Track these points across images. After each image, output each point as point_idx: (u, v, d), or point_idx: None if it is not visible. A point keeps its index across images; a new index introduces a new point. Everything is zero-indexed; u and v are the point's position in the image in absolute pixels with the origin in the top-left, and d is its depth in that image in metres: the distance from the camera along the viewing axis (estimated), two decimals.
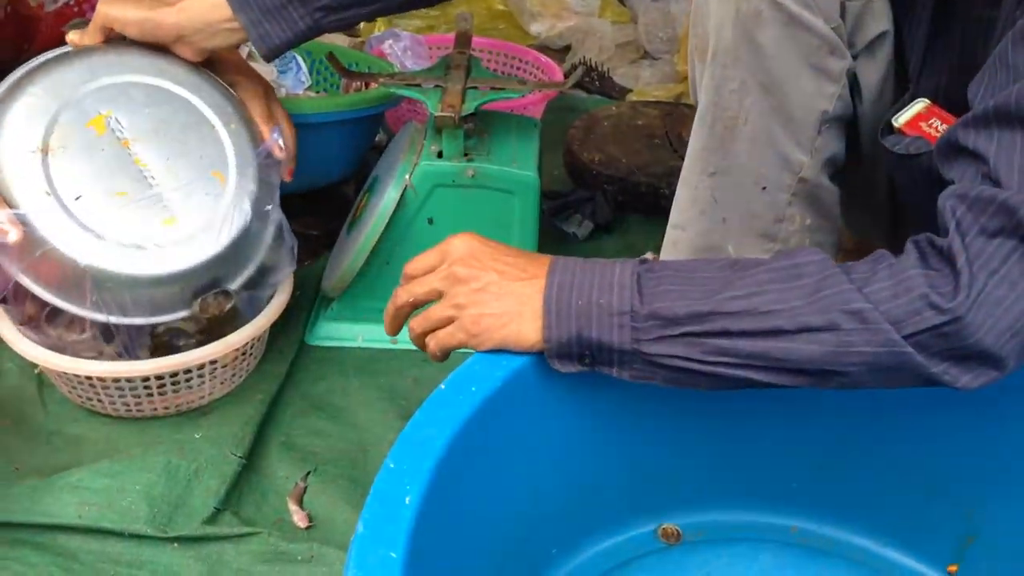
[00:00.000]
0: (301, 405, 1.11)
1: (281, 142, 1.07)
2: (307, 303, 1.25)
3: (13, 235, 0.91)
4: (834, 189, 0.98)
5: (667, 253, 1.04)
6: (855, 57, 0.93)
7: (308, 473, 1.01)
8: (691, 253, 1.00)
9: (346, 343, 1.21)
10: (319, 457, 1.04)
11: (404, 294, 0.78)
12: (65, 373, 1.01)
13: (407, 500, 0.62)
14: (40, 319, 1.04)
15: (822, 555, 0.87)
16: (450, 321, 0.75)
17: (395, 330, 0.81)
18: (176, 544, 0.92)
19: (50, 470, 0.99)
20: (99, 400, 1.04)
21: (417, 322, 0.78)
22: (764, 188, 0.95)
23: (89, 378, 1.01)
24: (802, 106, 0.92)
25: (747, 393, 0.84)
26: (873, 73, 0.94)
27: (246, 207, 1.02)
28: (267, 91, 1.10)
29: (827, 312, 0.66)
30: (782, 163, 0.94)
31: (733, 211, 0.97)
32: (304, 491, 1.00)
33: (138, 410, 1.05)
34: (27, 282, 0.94)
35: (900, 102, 0.91)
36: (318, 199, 1.40)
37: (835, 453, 0.86)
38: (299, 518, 0.97)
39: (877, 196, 1.04)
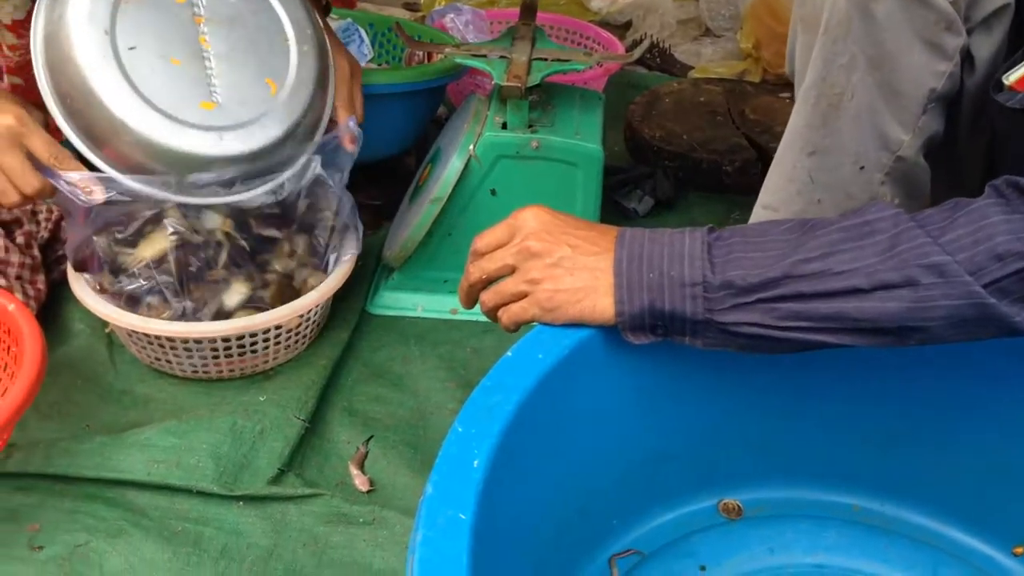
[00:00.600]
0: (362, 372, 1.13)
1: (354, 133, 1.07)
2: (369, 273, 1.26)
3: (99, 195, 0.93)
4: (927, 168, 0.96)
5: None
6: (969, 32, 0.89)
7: (369, 438, 1.03)
8: None
9: (406, 313, 1.22)
10: (380, 423, 1.05)
11: (476, 271, 0.78)
12: (135, 333, 1.03)
13: (475, 463, 0.63)
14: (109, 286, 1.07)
15: (885, 533, 0.86)
16: (523, 296, 0.75)
17: (470, 304, 0.81)
18: (241, 503, 0.94)
19: (120, 428, 1.01)
20: (167, 360, 1.06)
21: (489, 296, 0.78)
22: (862, 168, 0.93)
23: (159, 338, 1.03)
24: (911, 82, 0.89)
25: (812, 368, 0.84)
26: (987, 48, 0.90)
27: (285, 122, 1.00)
28: (354, 73, 1.10)
29: (904, 268, 0.64)
30: (882, 141, 0.91)
31: (828, 192, 0.95)
32: (365, 456, 1.01)
33: (204, 372, 1.07)
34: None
35: (1010, 61, 0.88)
36: (380, 170, 1.41)
37: (901, 431, 0.85)
38: (360, 482, 0.98)
39: (968, 175, 1.02)
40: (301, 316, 1.07)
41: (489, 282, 0.78)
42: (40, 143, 0.92)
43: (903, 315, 0.66)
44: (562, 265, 0.73)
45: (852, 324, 0.67)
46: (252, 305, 1.07)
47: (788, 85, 1.75)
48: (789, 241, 0.69)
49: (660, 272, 0.70)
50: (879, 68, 0.88)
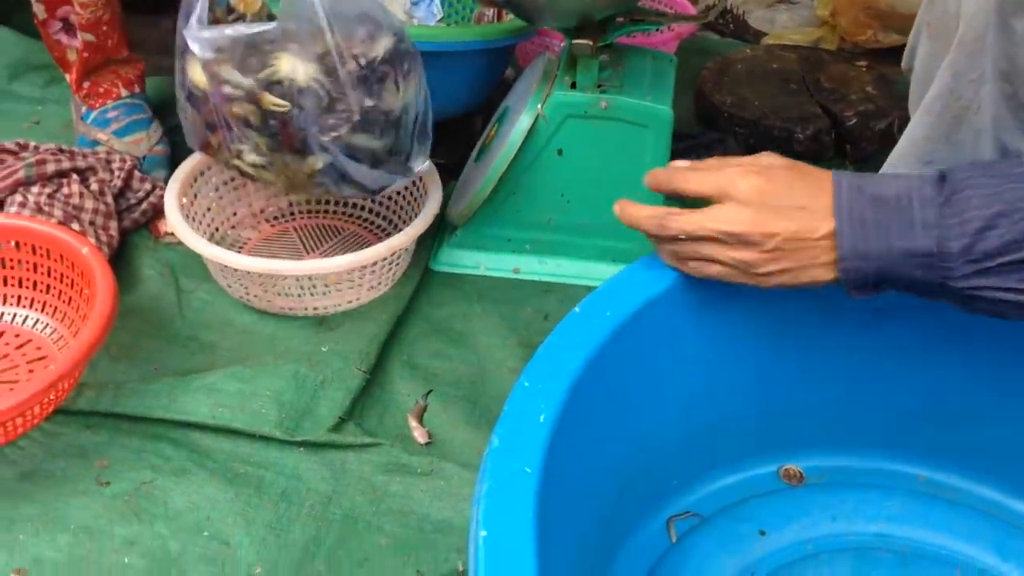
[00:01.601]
0: (423, 328, 1.13)
1: None
2: (432, 229, 1.26)
3: None
4: None
5: None
6: None
7: (428, 392, 1.03)
8: None
9: (469, 270, 1.22)
10: (439, 378, 1.06)
11: (676, 227, 0.73)
12: (225, 267, 1.08)
13: (541, 418, 0.63)
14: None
15: (950, 505, 0.84)
16: (732, 267, 0.72)
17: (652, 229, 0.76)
18: (302, 449, 0.95)
19: (185, 372, 1.03)
20: (255, 296, 1.10)
21: (687, 254, 0.74)
22: None
23: (249, 274, 1.06)
24: None
25: (881, 335, 0.82)
26: None
27: None
28: None
29: None
30: (1001, 152, 0.88)
31: None
32: (424, 409, 1.02)
33: (290, 309, 1.11)
34: None
35: None
36: (446, 129, 1.40)
37: (970, 401, 0.84)
38: (419, 434, 0.99)
39: None
40: (385, 259, 1.09)
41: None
42: None
43: None
44: (783, 248, 0.70)
45: None
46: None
47: (865, 53, 1.72)
48: None
49: (888, 245, 0.66)
50: (1010, 82, 0.84)
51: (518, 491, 0.58)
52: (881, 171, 0.97)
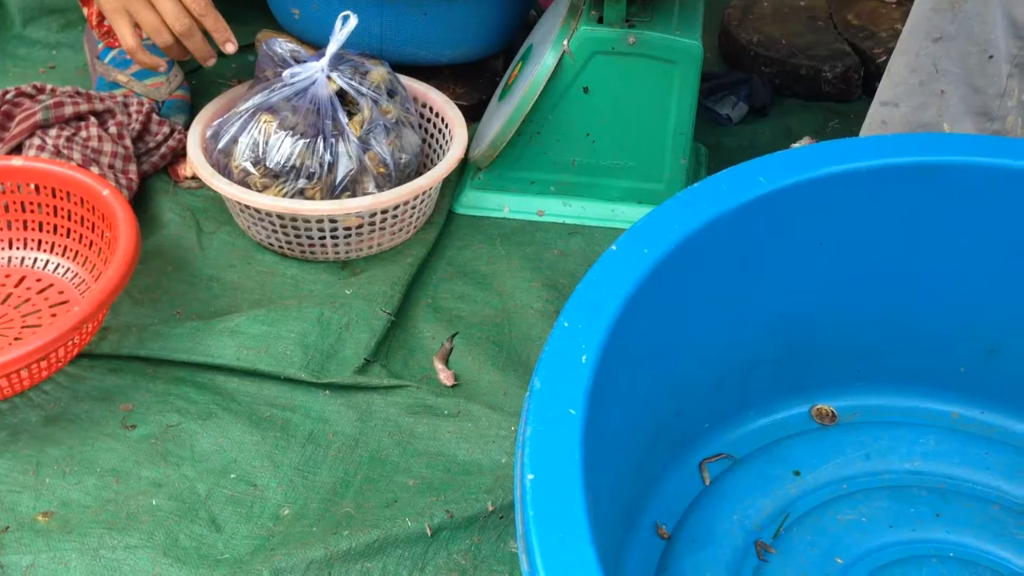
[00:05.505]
0: (447, 271, 1.12)
1: None
2: (455, 172, 1.24)
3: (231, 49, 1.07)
4: None
5: (873, 133, 0.98)
6: None
7: (454, 335, 1.02)
8: (903, 131, 0.94)
9: (492, 213, 1.20)
10: (464, 321, 1.04)
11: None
12: (247, 208, 1.07)
13: (583, 359, 0.61)
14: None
15: (986, 442, 0.83)
16: None
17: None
18: (327, 391, 0.95)
19: (209, 315, 1.02)
20: (277, 239, 1.09)
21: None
22: (991, 57, 0.87)
23: (270, 215, 1.05)
24: None
25: (909, 272, 0.81)
26: None
27: None
28: None
29: None
30: (1013, 28, 0.86)
31: (953, 83, 0.90)
32: (450, 351, 1.01)
33: (311, 252, 1.09)
34: None
35: None
36: (468, 71, 1.38)
37: (1003, 336, 0.82)
38: (445, 376, 0.98)
39: None
40: (407, 203, 1.08)
41: None
42: None
43: None
44: None
45: None
46: None
47: None
48: None
49: None
50: None
51: (563, 434, 0.57)
52: (894, 52, 0.95)
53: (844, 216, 0.77)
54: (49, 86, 1.19)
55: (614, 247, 0.69)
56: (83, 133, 1.13)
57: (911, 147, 0.78)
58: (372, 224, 1.07)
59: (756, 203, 0.73)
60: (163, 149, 1.20)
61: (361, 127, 1.07)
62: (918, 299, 0.81)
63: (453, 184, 1.22)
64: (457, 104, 1.21)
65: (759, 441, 0.85)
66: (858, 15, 1.51)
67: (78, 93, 1.18)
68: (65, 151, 1.10)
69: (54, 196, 1.05)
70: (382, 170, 1.08)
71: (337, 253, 1.09)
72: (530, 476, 0.54)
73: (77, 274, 1.05)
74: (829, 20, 1.50)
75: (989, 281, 0.81)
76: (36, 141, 1.11)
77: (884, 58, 1.39)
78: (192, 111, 1.27)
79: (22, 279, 1.05)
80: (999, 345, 0.83)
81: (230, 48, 1.09)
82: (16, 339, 0.98)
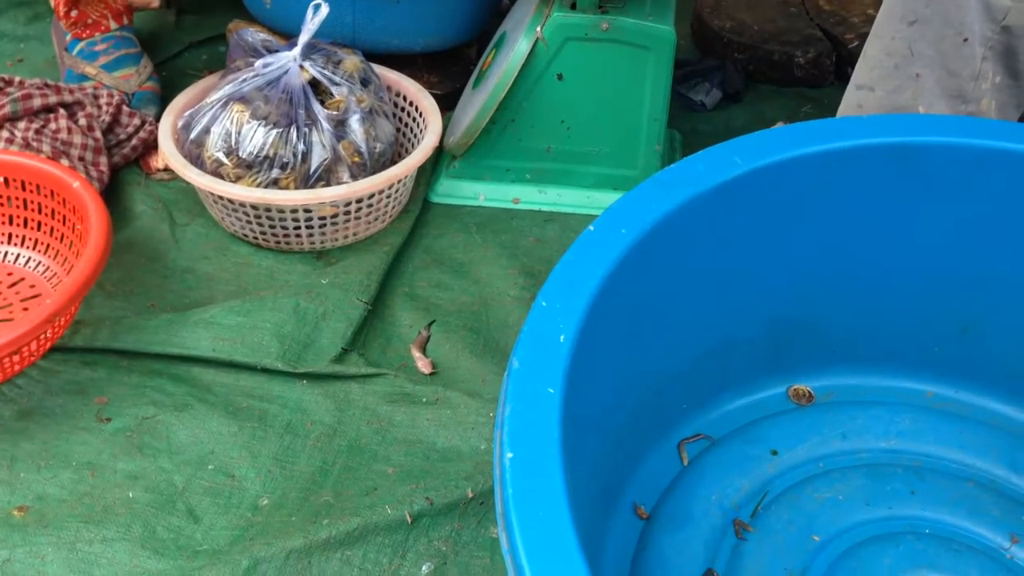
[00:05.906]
0: (423, 259, 1.11)
1: None
2: (430, 161, 1.24)
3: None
4: None
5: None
6: None
7: (431, 323, 1.02)
8: (879, 113, 0.94)
9: (468, 201, 1.20)
10: (441, 309, 1.04)
11: None
12: (221, 199, 1.06)
13: (561, 339, 0.61)
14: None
15: (960, 419, 0.84)
16: None
17: None
18: (305, 381, 0.94)
19: (183, 307, 1.01)
20: (251, 229, 1.08)
21: None
22: (965, 40, 0.88)
23: (243, 205, 1.04)
24: None
25: (883, 252, 0.81)
26: None
27: None
28: None
29: None
30: (987, 11, 0.86)
31: (929, 66, 0.90)
32: (427, 340, 1.00)
33: (286, 242, 1.09)
34: None
35: None
36: (442, 59, 1.37)
37: (976, 315, 0.83)
38: (423, 364, 0.97)
39: None
40: (381, 191, 1.07)
41: None
42: None
43: None
44: None
45: None
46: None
47: None
48: None
49: None
50: None
51: (542, 412, 0.57)
52: (869, 36, 0.95)
53: (820, 196, 0.78)
54: (17, 78, 1.18)
55: (591, 228, 0.69)
56: (52, 125, 1.12)
57: (886, 128, 0.78)
58: (347, 213, 1.07)
59: (733, 183, 0.73)
60: (134, 141, 1.19)
61: (339, 109, 1.07)
62: (894, 278, 0.82)
63: (428, 173, 1.21)
64: (431, 93, 1.21)
65: (737, 421, 0.85)
66: (830, 1, 1.52)
67: (47, 85, 1.16)
68: (34, 144, 1.09)
69: (24, 189, 1.03)
70: (356, 159, 1.08)
71: (312, 243, 1.09)
72: (509, 455, 0.54)
73: (49, 268, 1.04)
74: (801, 6, 1.51)
75: (963, 260, 0.81)
76: (4, 134, 1.09)
77: (856, 43, 1.40)
78: (163, 103, 1.26)
79: None
80: (972, 323, 0.83)
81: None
82: None
